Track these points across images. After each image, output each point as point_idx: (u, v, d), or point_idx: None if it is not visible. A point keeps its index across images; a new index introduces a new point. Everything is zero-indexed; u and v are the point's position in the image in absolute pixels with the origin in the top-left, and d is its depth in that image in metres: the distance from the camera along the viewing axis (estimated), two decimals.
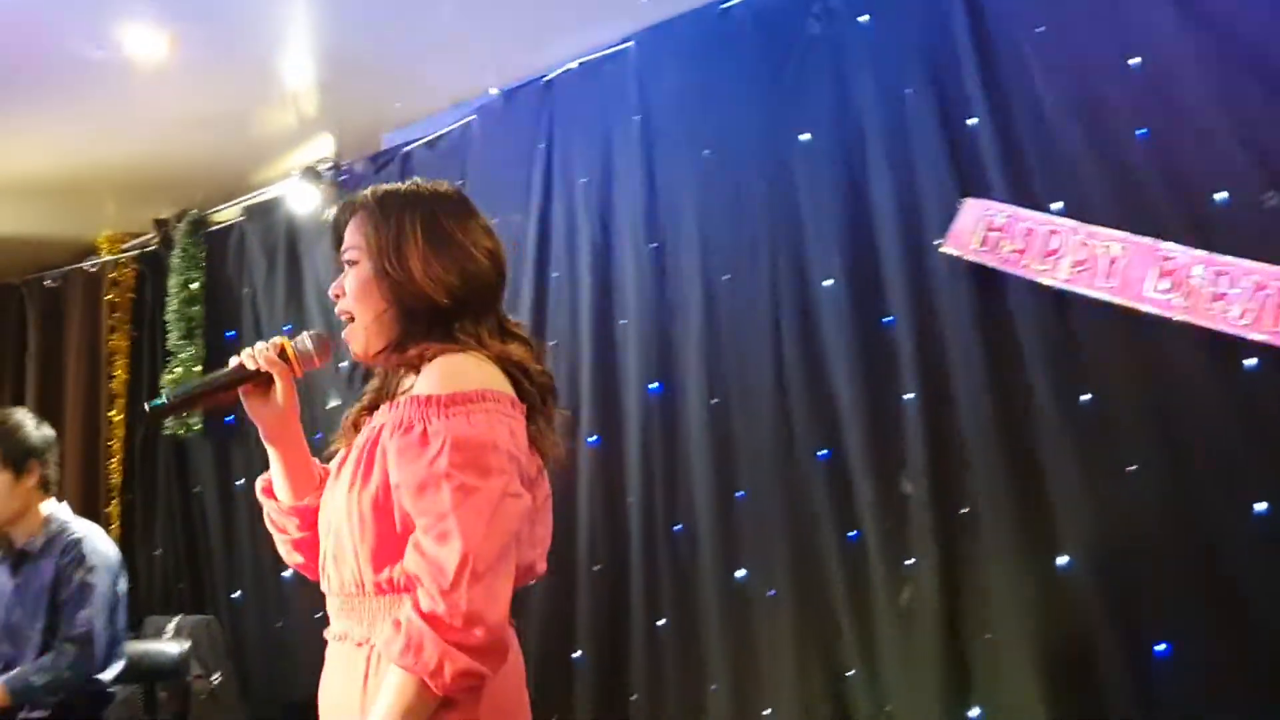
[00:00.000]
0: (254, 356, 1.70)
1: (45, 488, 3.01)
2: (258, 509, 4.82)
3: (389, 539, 1.54)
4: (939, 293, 2.78)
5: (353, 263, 1.67)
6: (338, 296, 1.69)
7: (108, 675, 3.03)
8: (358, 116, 4.13)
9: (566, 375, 3.51)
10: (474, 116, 3.90)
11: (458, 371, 1.56)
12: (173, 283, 4.69)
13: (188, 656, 3.46)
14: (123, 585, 3.03)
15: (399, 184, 1.73)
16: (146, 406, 1.74)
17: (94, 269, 5.24)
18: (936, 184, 2.81)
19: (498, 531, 1.50)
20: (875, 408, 2.86)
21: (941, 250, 2.76)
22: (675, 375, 3.26)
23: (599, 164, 3.50)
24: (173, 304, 4.68)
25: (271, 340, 1.73)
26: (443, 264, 1.63)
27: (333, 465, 1.72)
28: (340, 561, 1.58)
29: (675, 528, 3.20)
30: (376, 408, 1.72)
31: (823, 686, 2.90)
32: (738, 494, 3.09)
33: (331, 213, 1.76)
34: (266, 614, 4.45)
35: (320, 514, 1.70)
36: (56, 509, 3.04)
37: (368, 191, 1.71)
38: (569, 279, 3.55)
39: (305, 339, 1.73)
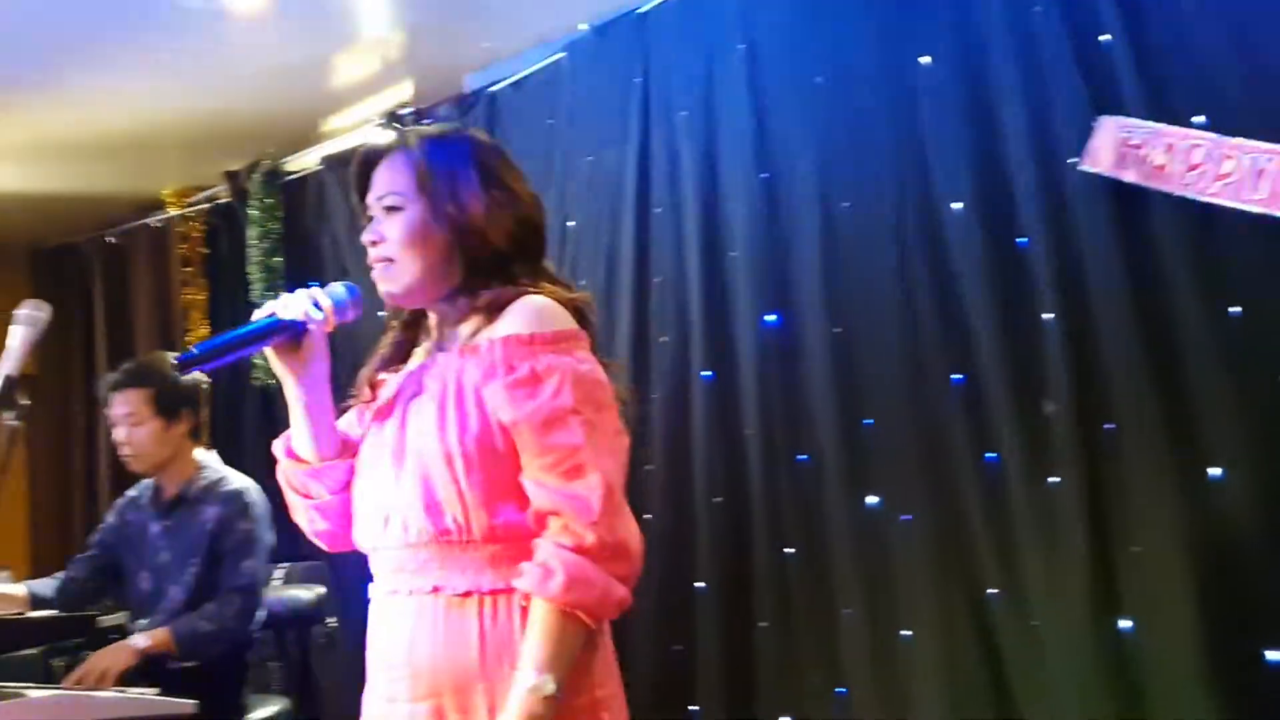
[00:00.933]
0: (287, 307, 1.65)
1: (195, 435, 3.05)
2: None
3: (499, 482, 1.53)
4: (1076, 212, 2.76)
5: (395, 209, 1.63)
6: (374, 243, 1.64)
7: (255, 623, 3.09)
8: (439, 59, 4.10)
9: (674, 311, 3.52)
10: (563, 54, 3.86)
11: (547, 311, 1.57)
12: (252, 234, 4.69)
13: (320, 602, 3.52)
14: (273, 537, 3.08)
15: (437, 128, 1.73)
16: (173, 359, 1.74)
17: (159, 224, 5.23)
18: (1069, 102, 2.77)
19: (622, 465, 1.56)
20: (1012, 330, 2.85)
21: (1079, 169, 2.74)
22: (793, 306, 3.26)
23: (701, 96, 3.47)
24: (254, 255, 4.68)
25: (303, 291, 1.68)
26: (501, 207, 1.63)
27: (366, 420, 1.69)
28: (432, 509, 1.53)
29: (799, 458, 3.22)
30: (401, 360, 1.72)
31: (963, 606, 2.93)
32: (865, 422, 3.10)
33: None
34: (364, 560, 4.49)
35: (369, 470, 1.64)
36: (206, 457, 3.09)
37: (404, 135, 1.69)
38: (672, 214, 3.53)
39: (339, 288, 1.69)
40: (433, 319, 1.71)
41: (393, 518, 1.57)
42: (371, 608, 1.65)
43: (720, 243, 3.42)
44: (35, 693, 2.53)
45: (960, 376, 2.95)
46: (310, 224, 4.71)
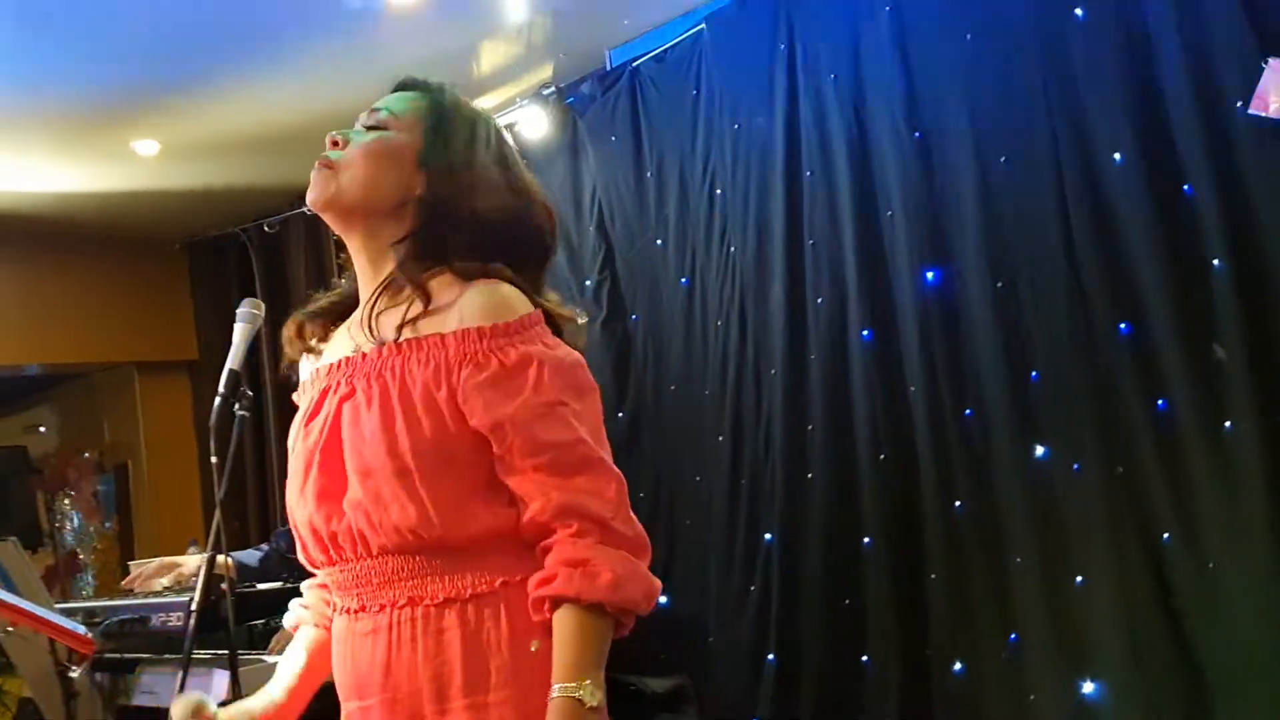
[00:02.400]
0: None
1: None
2: None
3: (465, 487, 1.36)
4: (1244, 157, 2.76)
5: (380, 127, 1.48)
6: (334, 144, 1.49)
7: None
8: (582, 37, 4.19)
9: (830, 272, 3.58)
10: (703, 25, 3.94)
11: (501, 296, 1.39)
12: None
13: None
14: None
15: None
16: None
17: (313, 212, 5.46)
18: (1234, 46, 2.76)
19: (608, 448, 1.40)
20: (1180, 278, 2.87)
21: (1247, 114, 2.73)
22: (952, 262, 3.31)
23: (848, 59, 3.51)
24: None
25: (181, 702, 1.49)
26: (509, 190, 1.47)
27: (303, 406, 1.52)
28: (389, 511, 1.35)
29: (966, 413, 3.28)
30: (328, 322, 1.55)
31: (1137, 551, 2.97)
32: (1032, 374, 3.14)
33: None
34: None
35: (303, 482, 1.45)
36: None
37: (439, 85, 1.55)
38: (824, 177, 3.59)
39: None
40: (363, 293, 1.50)
41: (343, 533, 1.40)
42: (334, 630, 1.49)
43: (874, 203, 3.47)
44: (270, 658, 2.76)
45: (1127, 325, 2.98)
46: None
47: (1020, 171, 3.14)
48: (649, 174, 4.15)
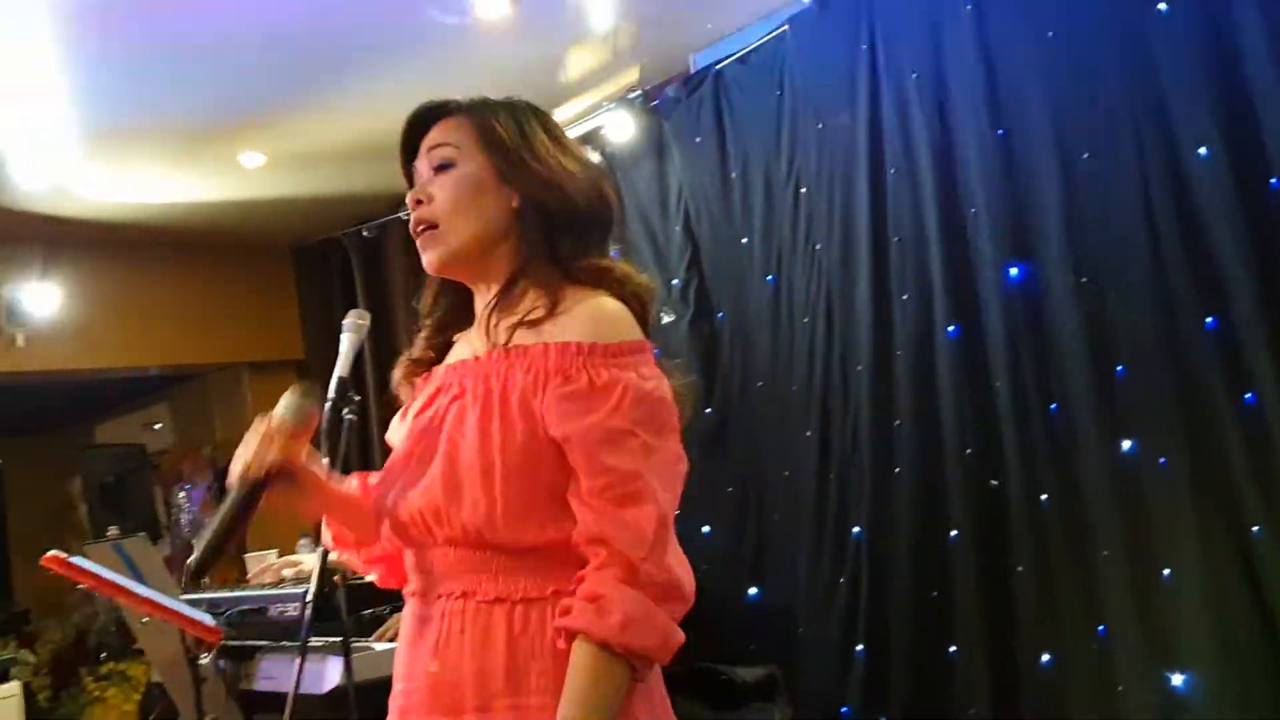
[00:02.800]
0: (251, 466, 1.49)
1: None
2: None
3: (539, 497, 1.40)
4: None
5: (447, 163, 1.50)
6: (419, 202, 1.51)
7: None
8: (665, 41, 4.29)
9: (915, 269, 3.63)
10: (785, 27, 4.00)
11: (611, 317, 1.42)
12: None
13: None
14: None
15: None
16: (187, 570, 1.59)
17: (409, 218, 5.64)
18: None
19: (676, 496, 1.41)
20: (1266, 271, 2.86)
21: None
22: (1036, 258, 3.33)
23: (930, 58, 3.55)
24: None
25: (252, 437, 1.52)
26: (573, 167, 1.49)
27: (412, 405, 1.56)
28: (462, 504, 1.40)
29: (1051, 407, 3.30)
30: (433, 363, 1.58)
31: (1226, 544, 2.97)
32: (1118, 369, 3.16)
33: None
34: None
35: (401, 465, 1.52)
36: None
37: (451, 99, 1.56)
38: (908, 175, 3.63)
39: (284, 413, 1.53)
40: (477, 301, 1.55)
41: (420, 518, 1.45)
42: (404, 608, 1.55)
43: (958, 200, 3.51)
44: (379, 645, 2.91)
45: (1213, 319, 2.98)
46: None
47: (1103, 167, 3.16)
48: (734, 174, 4.23)
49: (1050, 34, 3.24)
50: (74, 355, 5.73)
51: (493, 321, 1.47)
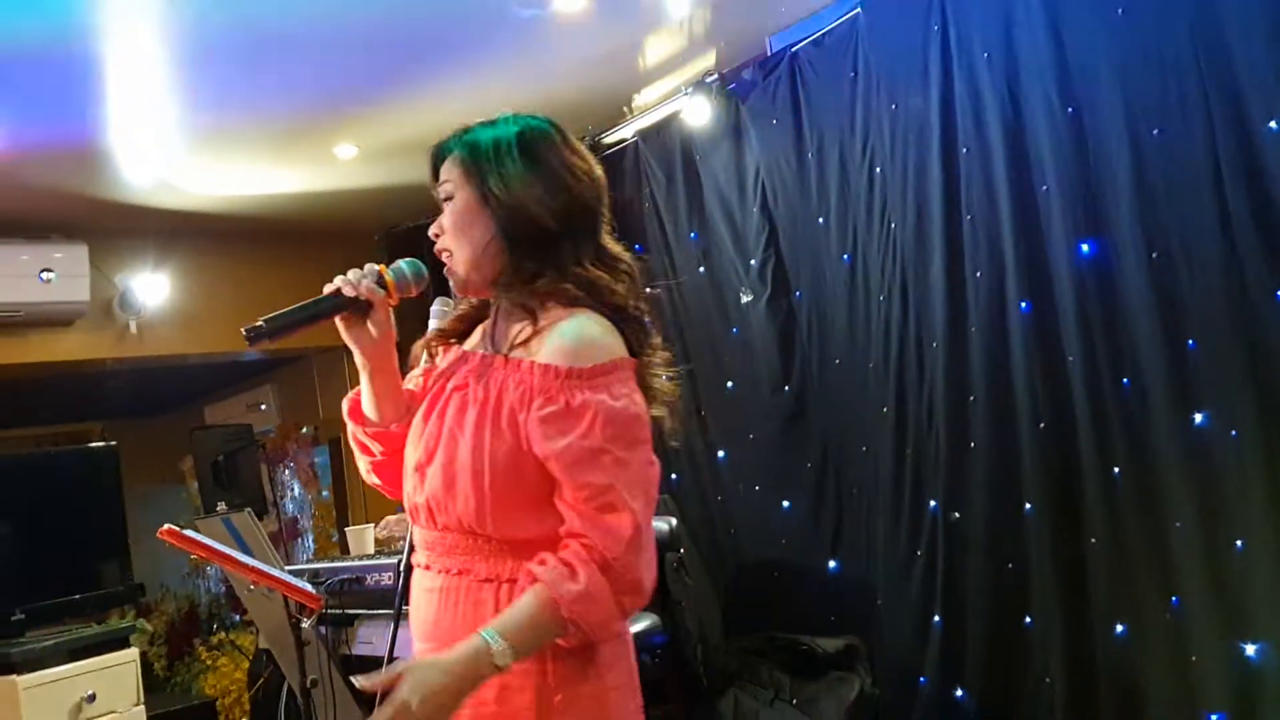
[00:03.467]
0: (352, 284, 1.70)
1: None
2: (683, 401, 5.26)
3: (524, 499, 1.59)
4: None
5: (449, 197, 1.68)
6: (437, 236, 1.70)
7: None
8: (742, 25, 4.35)
9: (987, 247, 3.67)
10: (858, 10, 4.05)
11: (589, 339, 1.59)
12: None
13: (673, 532, 3.94)
14: None
15: (490, 119, 1.72)
16: (243, 330, 1.72)
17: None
18: None
19: (649, 499, 1.59)
20: None
21: None
22: (1107, 235, 3.35)
23: (1001, 37, 3.58)
24: None
25: (368, 267, 1.73)
26: (545, 186, 1.64)
27: (421, 394, 1.74)
28: (456, 499, 1.60)
29: (1124, 381, 3.34)
30: (462, 335, 1.76)
31: None
32: (1189, 343, 3.18)
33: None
34: (705, 491, 4.92)
35: (412, 441, 1.72)
36: None
37: (459, 130, 1.73)
38: (980, 154, 3.67)
39: (402, 266, 1.74)
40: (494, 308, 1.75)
41: (425, 503, 1.66)
42: (414, 574, 1.75)
43: (1029, 178, 3.54)
44: None
45: None
46: (630, 192, 5.11)
47: (1174, 142, 3.17)
48: (810, 155, 4.30)
49: (1120, 10, 3.25)
50: (183, 341, 6.02)
51: (496, 331, 1.70)
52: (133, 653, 4.00)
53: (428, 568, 1.70)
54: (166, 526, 2.27)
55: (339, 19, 3.75)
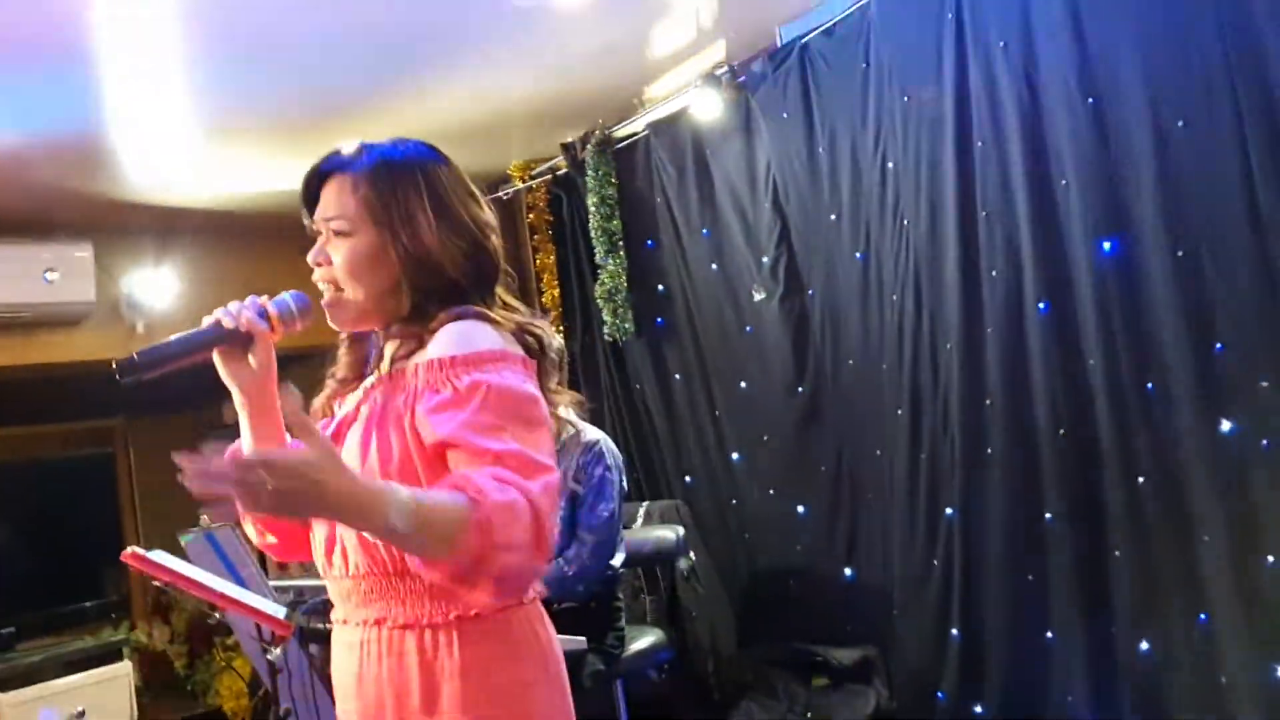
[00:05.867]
0: (232, 315, 1.59)
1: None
2: (696, 401, 5.17)
3: None
4: None
5: (342, 234, 1.57)
6: (319, 264, 1.60)
7: (617, 560, 3.42)
8: (751, 16, 4.22)
9: (1004, 244, 3.51)
10: None
11: (470, 331, 1.51)
12: (591, 201, 5.02)
13: (684, 540, 3.83)
14: (625, 482, 3.39)
15: (386, 146, 1.63)
16: (114, 363, 1.55)
17: (508, 196, 5.69)
18: None
19: (553, 503, 1.39)
20: None
21: None
22: (1130, 232, 3.19)
23: (1017, 25, 3.42)
24: (594, 221, 5.01)
25: (250, 299, 1.62)
26: (454, 238, 1.57)
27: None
28: (364, 541, 1.50)
29: (1147, 386, 3.18)
30: (357, 379, 1.66)
31: None
32: (1216, 346, 3.02)
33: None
34: (719, 493, 4.80)
35: None
36: (564, 412, 3.44)
37: (349, 154, 1.62)
38: (996, 147, 3.51)
39: (287, 299, 1.63)
40: (381, 339, 1.66)
41: (336, 549, 1.56)
42: (334, 633, 1.64)
43: (1048, 172, 3.38)
44: None
45: None
46: (641, 186, 4.98)
47: (1200, 135, 3.00)
48: (821, 149, 4.15)
49: None
50: None
51: (385, 356, 1.62)
52: (125, 666, 3.92)
53: (345, 622, 1.60)
54: (130, 550, 2.17)
55: (343, 14, 3.65)
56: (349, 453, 1.52)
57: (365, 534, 1.48)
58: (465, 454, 1.40)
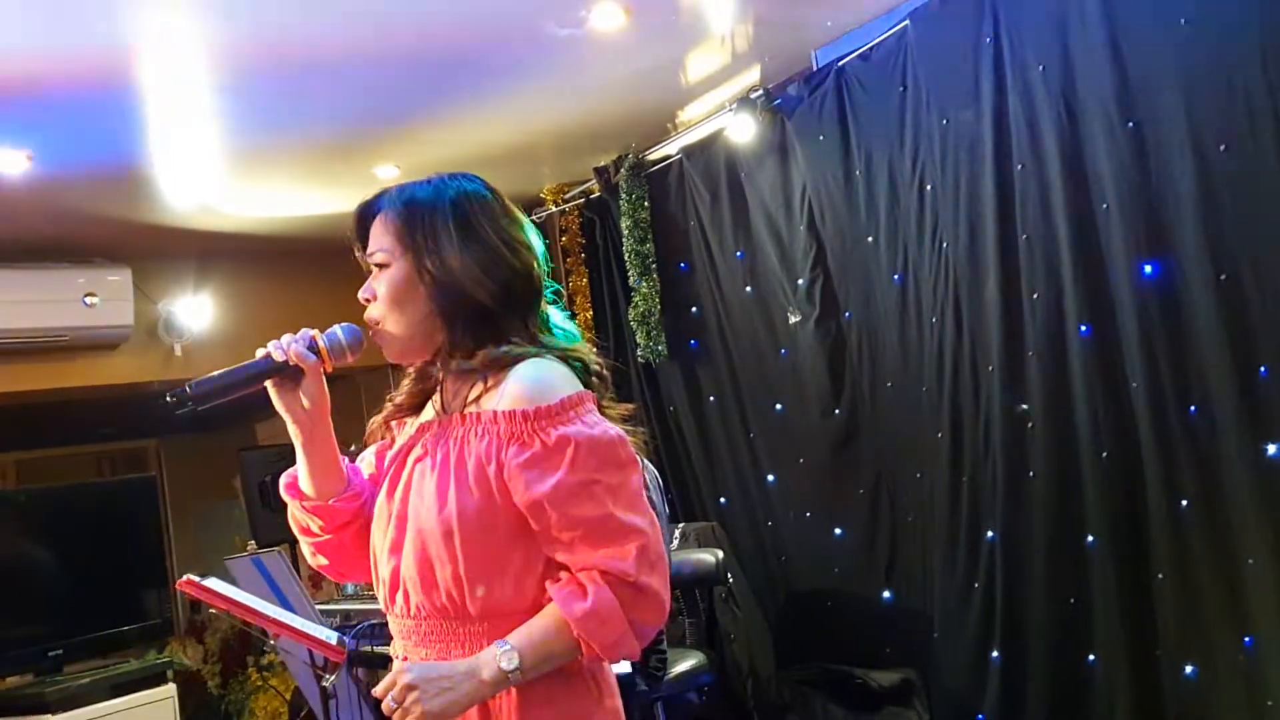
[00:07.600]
0: (282, 349, 1.62)
1: None
2: (731, 423, 5.18)
3: (496, 557, 1.52)
4: None
5: (383, 265, 1.61)
6: (368, 301, 1.63)
7: None
8: (786, 40, 4.24)
9: (1044, 267, 3.51)
10: (906, 22, 3.91)
11: (547, 379, 1.53)
12: (625, 224, 5.05)
13: (724, 563, 3.83)
14: (664, 504, 3.40)
15: (425, 181, 1.66)
16: (167, 396, 1.61)
17: (541, 219, 5.72)
18: None
19: (652, 517, 1.51)
20: None
21: None
22: (1172, 254, 3.18)
23: (1056, 49, 3.42)
24: (627, 244, 5.04)
25: (302, 332, 1.65)
26: (482, 262, 1.57)
27: (380, 475, 1.67)
28: (429, 583, 1.53)
29: (1190, 409, 3.17)
30: (416, 409, 1.69)
31: None
32: (1261, 370, 3.01)
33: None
34: (755, 515, 4.80)
35: (379, 524, 1.63)
36: None
37: (390, 191, 1.66)
38: (1035, 170, 3.52)
39: (338, 332, 1.66)
40: (439, 373, 1.68)
41: (398, 588, 1.59)
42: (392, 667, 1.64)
43: (1088, 195, 3.38)
44: None
45: None
46: (674, 209, 5.01)
47: (1242, 158, 3.00)
48: (858, 172, 4.17)
49: (1183, 20, 3.09)
50: (228, 362, 5.86)
51: (446, 395, 1.64)
52: (169, 689, 3.96)
53: (404, 659, 1.61)
54: (186, 578, 2.20)
55: (380, 41, 3.70)
56: (425, 503, 1.55)
57: (427, 574, 1.55)
58: (555, 519, 1.48)
